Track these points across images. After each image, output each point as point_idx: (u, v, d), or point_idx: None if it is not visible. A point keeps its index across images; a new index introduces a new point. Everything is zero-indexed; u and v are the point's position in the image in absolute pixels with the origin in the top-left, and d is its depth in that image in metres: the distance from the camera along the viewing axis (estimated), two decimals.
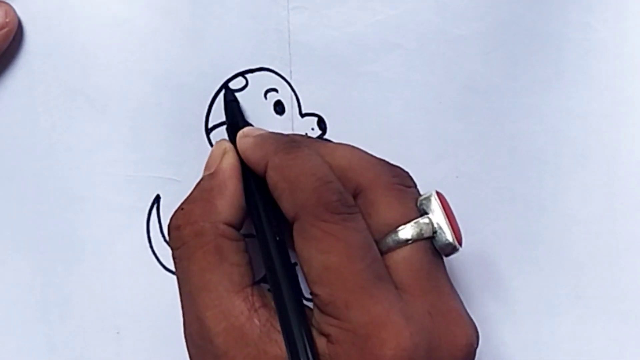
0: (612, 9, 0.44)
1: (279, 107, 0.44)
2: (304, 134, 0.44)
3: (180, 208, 0.40)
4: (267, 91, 0.44)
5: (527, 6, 0.44)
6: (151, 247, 0.44)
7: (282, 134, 0.42)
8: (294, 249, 0.38)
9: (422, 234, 0.38)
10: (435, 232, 0.38)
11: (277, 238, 0.39)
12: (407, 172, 0.40)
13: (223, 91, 0.43)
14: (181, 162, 0.44)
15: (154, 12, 0.43)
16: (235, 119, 0.43)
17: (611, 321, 0.46)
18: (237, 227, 0.40)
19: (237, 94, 0.44)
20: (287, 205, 0.38)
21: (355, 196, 0.38)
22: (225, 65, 0.44)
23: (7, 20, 0.42)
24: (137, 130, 0.44)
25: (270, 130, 0.43)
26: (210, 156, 0.42)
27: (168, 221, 0.40)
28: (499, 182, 0.45)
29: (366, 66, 0.44)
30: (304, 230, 0.37)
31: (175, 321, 0.45)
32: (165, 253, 0.44)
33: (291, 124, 0.44)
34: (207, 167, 0.41)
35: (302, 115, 0.44)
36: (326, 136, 0.44)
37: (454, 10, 0.44)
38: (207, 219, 0.39)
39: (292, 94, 0.44)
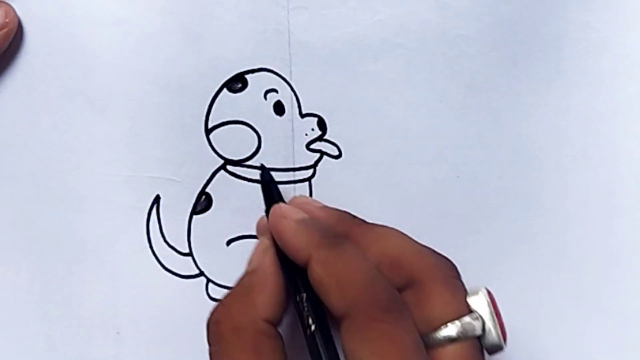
0: (612, 8, 0.44)
1: (279, 108, 0.44)
2: (304, 134, 0.44)
3: (221, 303, 0.39)
4: (267, 91, 0.44)
5: (527, 6, 0.44)
6: (151, 247, 0.44)
7: (322, 223, 0.40)
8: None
9: (470, 333, 0.37)
10: (483, 330, 0.37)
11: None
12: (455, 265, 0.39)
13: (260, 172, 0.43)
14: (181, 163, 0.44)
15: (154, 12, 0.43)
16: (274, 201, 0.42)
17: (611, 321, 0.46)
18: (276, 323, 0.39)
19: (237, 94, 0.44)
20: (335, 302, 0.36)
21: (405, 287, 0.38)
22: (225, 65, 0.43)
23: (7, 20, 0.42)
24: (137, 130, 0.44)
25: (271, 130, 0.44)
26: (253, 252, 0.41)
27: (208, 315, 0.39)
28: (499, 182, 0.45)
29: (366, 66, 0.44)
30: (358, 330, 0.35)
31: (175, 321, 0.45)
32: (165, 253, 0.45)
33: (291, 124, 0.44)
34: (249, 264, 0.41)
35: (302, 115, 0.44)
36: (326, 136, 0.44)
37: (455, 10, 0.44)
38: (246, 314, 0.38)
39: (292, 94, 0.44)
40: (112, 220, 0.44)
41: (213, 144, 0.44)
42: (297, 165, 0.44)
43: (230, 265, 0.45)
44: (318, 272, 0.37)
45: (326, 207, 0.42)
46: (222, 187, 0.44)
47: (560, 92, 0.45)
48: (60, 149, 0.44)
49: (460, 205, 0.45)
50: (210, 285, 0.45)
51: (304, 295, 0.38)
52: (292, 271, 0.39)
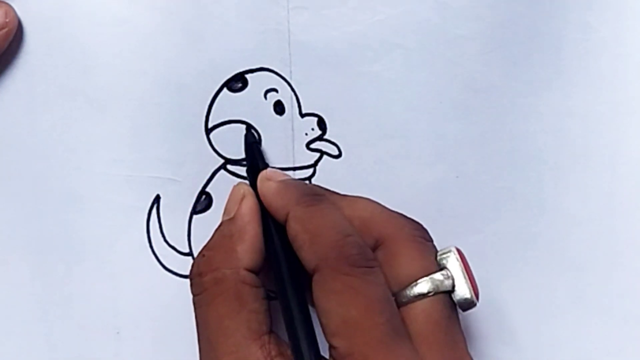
0: (612, 9, 0.44)
1: (279, 107, 0.44)
2: (304, 134, 0.44)
3: (202, 255, 0.40)
4: (267, 91, 0.44)
5: (527, 6, 0.44)
6: (151, 247, 0.44)
7: (304, 183, 0.42)
8: (311, 301, 0.38)
9: (441, 288, 0.38)
10: (453, 286, 0.38)
11: (295, 288, 0.39)
12: (425, 228, 0.40)
13: (244, 132, 0.44)
14: (181, 162, 0.44)
15: (154, 12, 0.43)
16: (256, 161, 0.43)
17: (611, 321, 0.46)
18: (257, 271, 0.40)
19: (237, 94, 0.44)
20: (307, 257, 0.38)
21: (375, 248, 0.39)
22: (225, 65, 0.43)
23: (7, 20, 0.42)
24: (137, 130, 0.44)
25: (271, 129, 0.44)
26: (228, 200, 0.42)
27: (190, 267, 0.41)
28: (499, 182, 0.45)
29: (366, 66, 0.44)
30: (324, 283, 0.37)
31: (175, 321, 0.45)
32: (165, 253, 0.45)
33: (291, 124, 0.44)
34: (226, 212, 0.42)
35: (302, 115, 0.44)
36: (326, 136, 0.44)
37: (454, 10, 0.44)
38: (228, 265, 0.39)
39: (292, 94, 0.44)
40: (112, 220, 0.44)
41: (213, 143, 0.44)
42: (297, 165, 0.44)
43: None
44: (294, 227, 0.39)
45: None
46: (223, 187, 0.44)
47: (560, 92, 0.45)
48: (60, 149, 0.44)
49: (460, 205, 0.45)
50: None
51: (279, 250, 0.40)
52: (272, 229, 0.40)
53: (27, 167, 0.44)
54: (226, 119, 0.44)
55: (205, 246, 0.41)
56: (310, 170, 0.44)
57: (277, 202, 0.40)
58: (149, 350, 0.45)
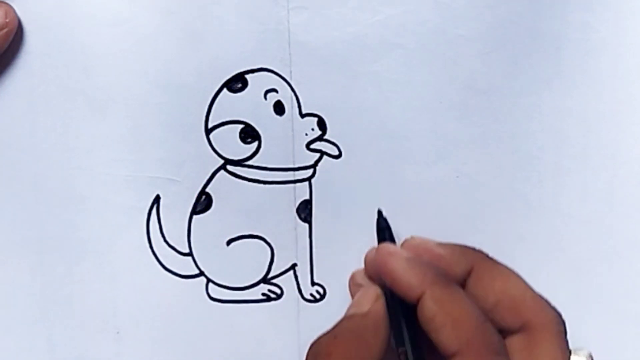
0: (612, 9, 0.44)
1: (279, 108, 0.44)
2: (304, 134, 0.44)
3: (332, 336, 0.40)
4: (267, 91, 0.44)
5: (527, 6, 0.44)
6: (151, 247, 0.44)
7: (431, 262, 0.41)
8: None
9: None
10: None
11: None
12: (564, 319, 0.40)
13: (377, 216, 0.43)
14: (181, 162, 0.44)
15: (154, 12, 0.43)
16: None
17: (611, 321, 0.46)
18: None
19: (237, 94, 0.44)
20: (447, 340, 0.37)
21: (518, 330, 0.39)
22: (225, 65, 0.44)
23: (7, 20, 0.42)
24: (137, 130, 0.44)
25: (271, 130, 0.44)
26: (362, 295, 0.42)
27: (309, 346, 0.40)
28: (499, 182, 0.45)
29: (366, 66, 0.44)
30: None
31: (175, 321, 0.45)
32: (165, 253, 0.45)
33: (291, 124, 0.44)
34: (356, 304, 0.41)
35: (302, 115, 0.44)
36: (326, 136, 0.44)
37: (454, 10, 0.44)
38: (360, 355, 0.39)
39: (292, 94, 0.44)
40: (112, 220, 0.44)
41: (213, 144, 0.44)
42: (297, 165, 0.44)
43: (230, 265, 0.45)
44: (432, 308, 0.38)
45: (444, 243, 0.42)
46: (222, 187, 0.44)
47: (560, 92, 0.45)
48: (60, 149, 0.44)
49: (460, 205, 0.45)
50: (210, 285, 0.45)
51: (407, 347, 0.39)
52: (397, 312, 0.40)
53: (27, 167, 0.44)
54: (226, 119, 0.44)
55: (334, 328, 0.40)
56: (310, 171, 0.44)
57: (410, 281, 0.39)
58: (149, 350, 0.45)
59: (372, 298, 0.41)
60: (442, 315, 0.38)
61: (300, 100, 0.44)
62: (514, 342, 0.39)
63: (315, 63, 0.44)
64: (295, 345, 0.45)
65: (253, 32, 0.43)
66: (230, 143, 0.44)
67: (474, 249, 0.42)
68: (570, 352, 0.39)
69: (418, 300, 0.38)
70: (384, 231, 0.43)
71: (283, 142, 0.44)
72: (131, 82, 0.43)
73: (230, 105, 0.44)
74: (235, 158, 0.44)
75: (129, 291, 0.45)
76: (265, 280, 0.45)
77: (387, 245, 0.42)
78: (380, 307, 0.40)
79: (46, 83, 0.43)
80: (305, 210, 0.45)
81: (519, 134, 0.45)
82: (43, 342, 0.45)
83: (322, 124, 0.44)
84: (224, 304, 0.45)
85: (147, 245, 0.44)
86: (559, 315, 0.40)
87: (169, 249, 0.45)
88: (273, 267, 0.45)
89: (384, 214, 0.42)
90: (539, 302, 0.40)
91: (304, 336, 0.45)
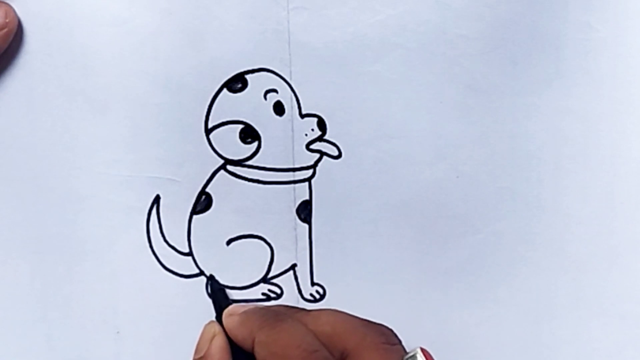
0: (612, 9, 0.44)
1: (279, 108, 0.44)
2: (304, 134, 0.44)
3: None
4: (267, 92, 0.44)
5: (527, 6, 0.44)
6: (151, 247, 0.44)
7: (266, 308, 0.43)
8: None
9: None
10: None
11: None
12: (390, 330, 0.41)
13: (209, 281, 0.44)
14: (181, 162, 0.44)
15: (154, 12, 0.43)
16: (222, 305, 0.44)
17: (611, 321, 0.46)
18: None
19: (237, 94, 0.44)
20: None
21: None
22: (225, 65, 0.44)
23: (7, 20, 0.42)
24: (137, 130, 0.44)
25: (271, 130, 0.44)
26: (200, 339, 0.43)
27: None
28: (499, 182, 0.45)
29: (366, 66, 0.44)
30: None
31: (175, 321, 0.45)
32: (165, 253, 0.45)
33: (291, 125, 0.44)
34: (197, 351, 0.43)
35: (302, 115, 0.44)
36: (326, 136, 0.44)
37: (454, 10, 0.44)
38: None
39: (292, 94, 0.44)
40: (112, 220, 0.44)
41: (213, 144, 0.44)
42: (297, 165, 0.44)
43: (230, 264, 0.45)
44: (260, 353, 0.40)
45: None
46: (222, 187, 0.44)
47: (560, 92, 0.45)
48: (60, 149, 0.44)
49: (460, 205, 0.45)
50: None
51: None
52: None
53: (27, 167, 0.44)
54: (226, 119, 0.44)
55: None
56: (310, 171, 0.44)
57: (242, 333, 0.41)
58: (149, 350, 0.45)
59: (207, 340, 0.43)
60: (269, 356, 0.40)
61: (300, 101, 0.44)
62: None
63: (315, 63, 0.44)
64: None
65: (253, 32, 0.43)
66: (230, 143, 0.44)
67: (290, 306, 0.44)
68: (403, 356, 0.40)
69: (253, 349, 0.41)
70: (217, 293, 0.44)
71: (283, 142, 0.44)
72: (131, 82, 0.43)
73: (230, 105, 0.44)
74: (235, 158, 0.44)
75: (129, 291, 0.45)
76: (265, 280, 0.45)
77: (229, 307, 0.43)
78: (215, 348, 0.42)
79: (46, 83, 0.43)
80: (305, 211, 0.45)
81: (519, 134, 0.45)
82: (43, 342, 0.45)
83: (322, 125, 0.44)
84: None
85: (147, 245, 0.45)
86: (378, 328, 0.41)
87: (169, 249, 0.45)
88: (273, 267, 0.45)
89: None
90: (352, 328, 0.41)
91: None
